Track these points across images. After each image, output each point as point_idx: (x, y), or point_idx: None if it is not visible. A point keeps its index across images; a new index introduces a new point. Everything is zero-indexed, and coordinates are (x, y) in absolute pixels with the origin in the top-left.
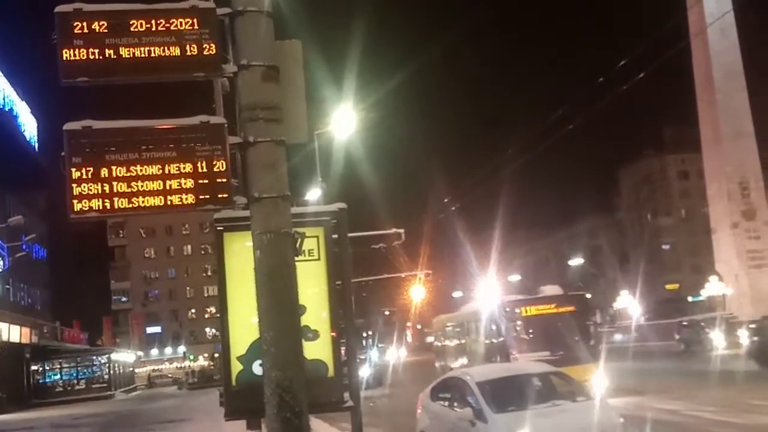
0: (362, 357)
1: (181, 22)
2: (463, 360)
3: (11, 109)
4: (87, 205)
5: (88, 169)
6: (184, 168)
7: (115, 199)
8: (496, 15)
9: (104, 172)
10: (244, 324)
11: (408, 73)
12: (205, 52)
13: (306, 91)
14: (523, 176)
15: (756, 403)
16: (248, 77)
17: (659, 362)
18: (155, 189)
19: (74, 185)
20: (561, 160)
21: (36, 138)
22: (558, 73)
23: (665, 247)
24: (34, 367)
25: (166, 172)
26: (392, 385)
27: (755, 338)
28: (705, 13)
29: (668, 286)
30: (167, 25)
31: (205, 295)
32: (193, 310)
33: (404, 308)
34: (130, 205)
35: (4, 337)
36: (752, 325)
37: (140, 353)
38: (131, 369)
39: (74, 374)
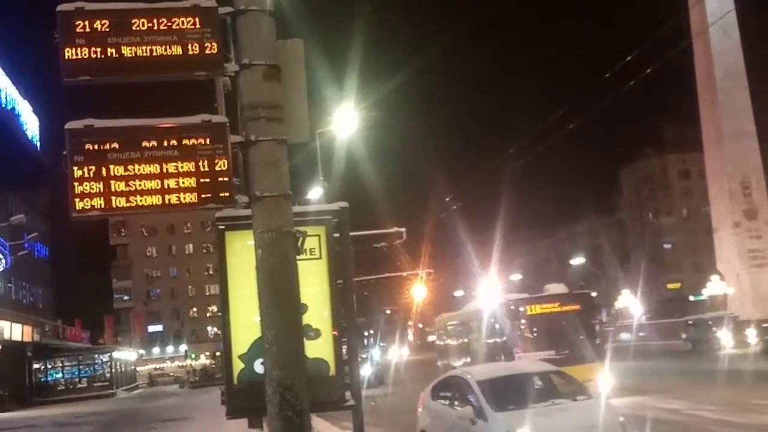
0: (364, 356)
1: (182, 21)
2: (466, 359)
3: (13, 108)
4: (89, 203)
5: (90, 167)
6: (185, 167)
7: (117, 197)
8: (496, 15)
9: (106, 170)
10: (246, 323)
11: (409, 73)
12: (206, 51)
13: (307, 90)
14: (524, 176)
15: (763, 403)
16: (250, 76)
17: (667, 361)
18: (157, 188)
19: (76, 184)
20: (562, 160)
21: (38, 137)
22: (558, 73)
23: (666, 246)
24: (36, 366)
25: (168, 171)
26: (394, 384)
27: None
28: (707, 12)
29: (670, 286)
30: (169, 24)
31: (207, 293)
32: (194, 309)
33: (406, 307)
34: (132, 204)
35: (6, 336)
36: (765, 324)
37: (142, 352)
38: (133, 367)
39: (76, 373)
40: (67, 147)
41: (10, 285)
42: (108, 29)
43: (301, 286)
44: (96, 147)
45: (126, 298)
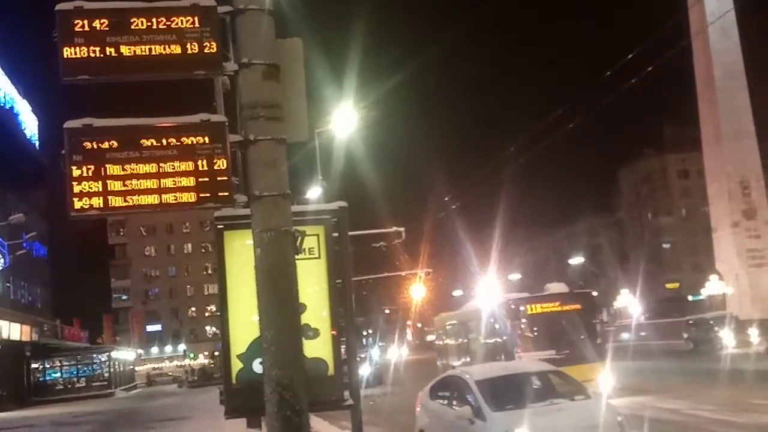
0: (362, 356)
1: (182, 20)
2: (466, 358)
3: (12, 107)
4: (87, 203)
5: (88, 167)
6: (184, 166)
7: (116, 197)
8: (496, 15)
9: (104, 170)
10: (245, 322)
11: (408, 72)
12: (205, 51)
13: (307, 89)
14: (523, 175)
15: (765, 402)
16: (249, 75)
17: (668, 361)
18: (155, 187)
19: (75, 183)
20: (561, 160)
21: (37, 136)
22: (558, 73)
23: (666, 246)
24: (34, 365)
25: (167, 170)
26: (393, 384)
27: None
28: (706, 12)
29: (668, 285)
30: (168, 23)
31: (206, 293)
32: (193, 309)
33: (405, 307)
34: (130, 203)
35: (5, 335)
36: None
37: (140, 351)
38: (131, 367)
39: (74, 372)
40: (66, 146)
41: (8, 284)
42: (107, 28)
43: (299, 285)
44: (95, 146)
45: (124, 297)
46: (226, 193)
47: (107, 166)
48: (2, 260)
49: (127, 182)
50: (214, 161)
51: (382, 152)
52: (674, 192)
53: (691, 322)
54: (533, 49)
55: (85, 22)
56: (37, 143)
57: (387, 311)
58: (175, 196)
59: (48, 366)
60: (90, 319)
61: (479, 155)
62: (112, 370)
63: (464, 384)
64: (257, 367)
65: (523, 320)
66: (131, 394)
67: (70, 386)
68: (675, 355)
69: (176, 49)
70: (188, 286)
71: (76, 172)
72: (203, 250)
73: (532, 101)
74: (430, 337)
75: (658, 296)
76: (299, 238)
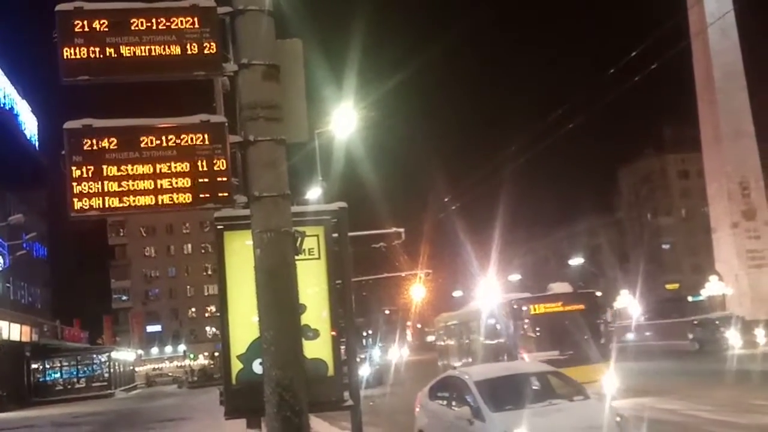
0: (362, 356)
1: (181, 21)
2: (468, 359)
3: (12, 108)
4: (87, 203)
5: (88, 167)
6: (184, 167)
7: (115, 197)
8: (496, 15)
9: (104, 170)
10: (245, 323)
11: (408, 73)
12: (205, 51)
13: (306, 90)
14: (523, 176)
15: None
16: (249, 76)
17: (674, 362)
18: (155, 188)
19: (74, 184)
20: (561, 160)
21: (36, 137)
22: (558, 73)
23: (665, 246)
24: (34, 366)
25: (167, 170)
26: (393, 384)
27: None
28: (705, 12)
29: (668, 286)
30: (168, 23)
31: (206, 293)
32: (193, 309)
33: (405, 307)
34: (130, 204)
35: (5, 336)
36: None
37: (140, 352)
38: (131, 368)
39: (74, 373)
40: (66, 147)
41: (8, 285)
42: (107, 29)
43: (299, 286)
44: (94, 147)
45: (124, 298)
46: (226, 194)
47: (107, 166)
48: (2, 261)
49: (127, 183)
50: (214, 162)
51: (382, 153)
52: (674, 192)
53: (696, 322)
54: (533, 49)
55: (85, 22)
56: (36, 144)
57: (387, 312)
58: (174, 196)
59: (48, 366)
60: (90, 319)
61: (479, 156)
62: (112, 370)
63: (463, 384)
64: (257, 367)
65: (527, 320)
66: (131, 395)
67: (70, 387)
68: (681, 355)
69: (176, 50)
70: (188, 287)
71: (75, 173)
72: (203, 251)
73: (532, 101)
74: (430, 338)
75: (658, 297)
76: (299, 239)
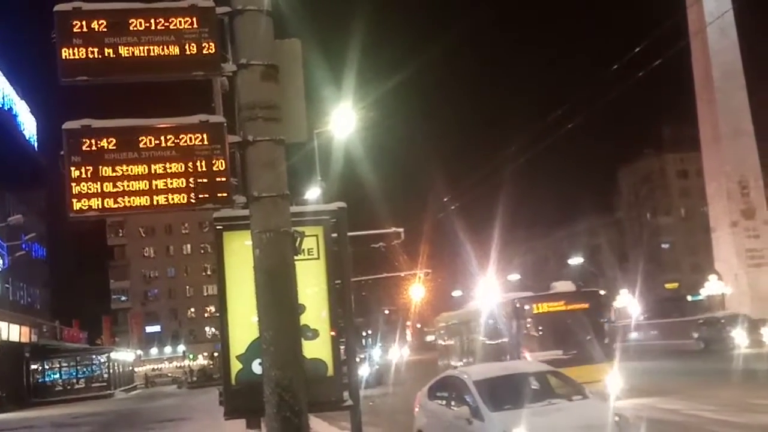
0: (362, 356)
1: (180, 21)
2: (469, 359)
3: (11, 108)
4: (86, 204)
5: (87, 168)
6: (183, 167)
7: (115, 198)
8: (496, 15)
9: (103, 171)
10: (244, 323)
11: (408, 73)
12: (204, 51)
13: (305, 90)
14: (522, 175)
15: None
16: (247, 76)
17: (679, 361)
18: (154, 188)
19: (73, 184)
20: (561, 160)
21: (35, 137)
22: (557, 73)
23: (665, 246)
24: (33, 366)
25: (165, 171)
26: (394, 384)
27: None
28: (704, 12)
29: (668, 285)
30: (166, 24)
31: (205, 294)
32: (192, 309)
33: (404, 307)
34: (129, 204)
35: (4, 337)
36: None
37: (140, 352)
38: (131, 368)
39: (74, 373)
40: (65, 147)
41: (7, 285)
42: (105, 29)
43: (298, 286)
44: (93, 147)
45: (123, 298)
46: (225, 194)
47: (106, 167)
48: (1, 261)
49: (126, 183)
50: (213, 162)
51: (381, 153)
52: (673, 192)
53: (701, 321)
54: (533, 49)
55: (84, 23)
56: (35, 144)
57: (386, 312)
58: (173, 197)
59: (47, 367)
60: (89, 320)
61: (479, 155)
62: (111, 371)
63: (462, 384)
64: (256, 368)
65: (529, 320)
66: (131, 395)
67: (69, 387)
68: (686, 354)
69: (175, 50)
70: (187, 287)
71: (74, 173)
72: (202, 251)
73: (532, 101)
74: (429, 338)
75: (657, 296)
76: (298, 239)
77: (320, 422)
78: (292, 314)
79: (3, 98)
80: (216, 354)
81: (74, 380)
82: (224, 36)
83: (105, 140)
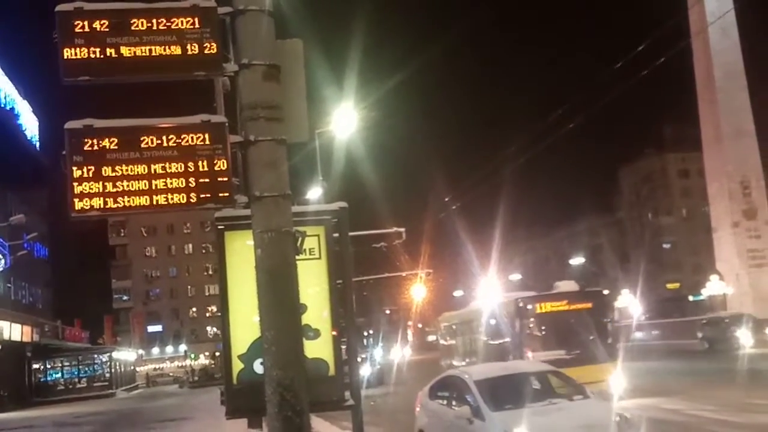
0: (363, 356)
1: (182, 21)
2: (472, 359)
3: (12, 108)
4: (88, 203)
5: (89, 167)
6: (185, 167)
7: (116, 197)
8: (496, 15)
9: (105, 170)
10: (245, 323)
11: (408, 73)
12: (206, 51)
13: (307, 90)
14: (523, 175)
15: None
16: (249, 76)
17: (685, 362)
18: (156, 188)
19: (75, 184)
20: (562, 160)
21: (37, 137)
22: (558, 73)
23: (666, 246)
24: (35, 366)
25: (167, 170)
26: (395, 384)
27: None
28: (706, 12)
29: (669, 285)
30: (168, 24)
31: (206, 293)
32: (194, 309)
33: (405, 307)
34: (131, 204)
35: (6, 336)
36: None
37: (141, 352)
38: (132, 368)
39: (75, 373)
40: (67, 147)
41: (9, 285)
42: (107, 29)
43: (300, 286)
44: (95, 147)
45: (125, 298)
46: (227, 194)
47: (108, 166)
48: (3, 261)
49: (128, 183)
50: (215, 162)
51: (383, 153)
52: (674, 192)
53: (705, 321)
54: (534, 48)
55: (86, 23)
56: (37, 144)
57: (388, 312)
58: (175, 196)
59: (49, 366)
60: (91, 319)
61: (479, 155)
62: (113, 370)
63: (463, 384)
64: (258, 367)
65: (532, 319)
66: (132, 395)
67: (71, 387)
68: (690, 355)
69: (176, 50)
70: (189, 287)
71: (76, 173)
72: (204, 251)
73: (532, 101)
74: (430, 338)
75: (659, 296)
76: (300, 239)
77: (322, 422)
78: (293, 314)
79: (5, 98)
80: (217, 354)
81: (76, 380)
82: (226, 36)
83: (107, 140)
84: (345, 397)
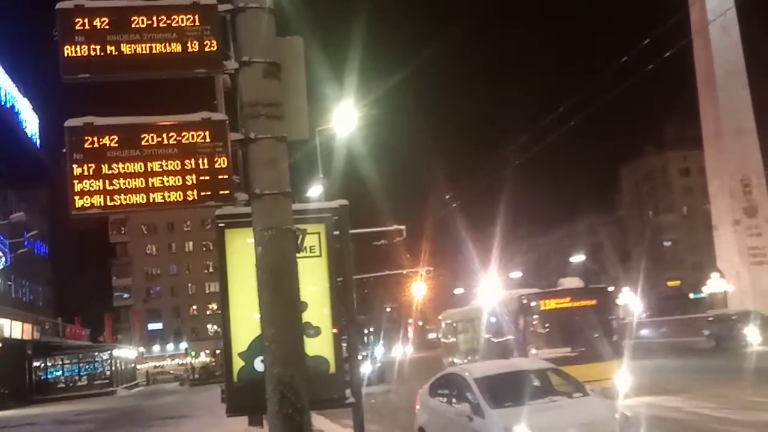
0: (364, 354)
1: (182, 19)
2: (474, 356)
3: (13, 106)
4: (88, 201)
5: (89, 165)
6: (185, 164)
7: (116, 195)
8: (498, 12)
9: (105, 168)
10: (246, 320)
11: (409, 70)
12: (206, 49)
13: (307, 87)
14: (524, 173)
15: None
16: (249, 74)
17: (692, 359)
18: (156, 185)
19: (75, 182)
20: (562, 158)
21: (38, 134)
22: (560, 71)
23: (667, 244)
24: (36, 364)
25: (168, 168)
26: (397, 382)
27: None
28: (707, 10)
29: (670, 283)
30: (168, 21)
31: (207, 291)
32: (194, 307)
33: (406, 305)
34: (131, 202)
35: (6, 334)
36: None
37: (142, 349)
38: (133, 365)
39: (76, 370)
40: (67, 145)
41: (9, 283)
42: (107, 27)
43: (300, 283)
44: (95, 144)
45: (126, 295)
46: (227, 192)
47: (108, 164)
48: (3, 259)
49: (128, 180)
50: (215, 159)
51: (383, 150)
52: (675, 190)
53: (711, 318)
54: (535, 47)
55: (86, 20)
56: (38, 141)
57: (388, 309)
58: (175, 194)
59: (50, 364)
60: (91, 317)
61: (480, 153)
62: (113, 368)
63: (463, 381)
64: (258, 365)
65: (536, 316)
66: (133, 393)
67: (71, 384)
68: (697, 352)
69: (177, 48)
70: (189, 285)
71: (76, 171)
72: (204, 249)
73: (534, 99)
74: (431, 335)
75: (659, 294)
76: (300, 237)
77: (322, 420)
78: (294, 312)
79: (5, 95)
80: (218, 351)
81: (76, 377)
82: (226, 33)
83: (107, 138)
84: (346, 395)
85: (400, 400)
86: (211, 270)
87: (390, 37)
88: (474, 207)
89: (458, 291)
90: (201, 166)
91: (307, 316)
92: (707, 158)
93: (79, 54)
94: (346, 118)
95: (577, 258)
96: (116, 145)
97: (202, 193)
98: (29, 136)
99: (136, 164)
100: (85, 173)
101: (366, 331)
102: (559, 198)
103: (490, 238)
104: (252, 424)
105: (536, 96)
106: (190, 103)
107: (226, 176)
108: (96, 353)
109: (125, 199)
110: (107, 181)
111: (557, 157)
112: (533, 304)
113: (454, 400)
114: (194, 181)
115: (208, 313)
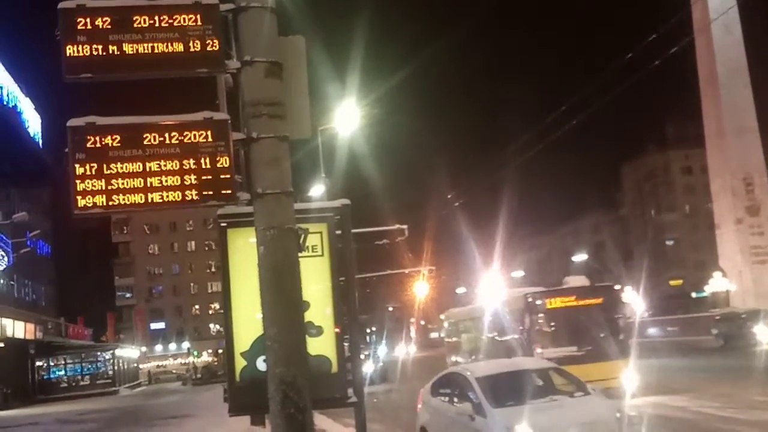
0: (366, 353)
1: (184, 18)
2: (478, 356)
3: (15, 106)
4: (91, 201)
5: (91, 165)
6: (187, 164)
7: (119, 195)
8: (500, 10)
9: (108, 168)
10: (248, 320)
11: (411, 69)
12: (208, 48)
13: (309, 87)
14: (526, 172)
15: None
16: (251, 73)
17: (700, 359)
18: (158, 185)
19: (78, 181)
20: (565, 156)
21: (40, 134)
22: (562, 69)
23: (669, 243)
24: (38, 363)
25: (169, 168)
26: (399, 381)
27: None
28: (709, 8)
29: (672, 282)
30: (170, 21)
31: (209, 291)
32: (197, 306)
33: (408, 304)
34: (133, 201)
35: (9, 333)
36: None
37: (144, 349)
38: (135, 365)
39: (79, 370)
40: (69, 144)
41: (12, 283)
42: (109, 26)
43: (303, 283)
44: (98, 144)
45: (128, 295)
46: (229, 191)
47: (110, 164)
48: (6, 259)
49: (130, 180)
50: (217, 159)
51: (385, 150)
52: (677, 189)
53: (719, 317)
54: (537, 45)
55: (88, 20)
56: (40, 141)
57: (390, 309)
58: (178, 193)
59: (52, 364)
60: (94, 317)
61: (482, 152)
62: (116, 368)
63: (465, 381)
64: (261, 364)
65: (542, 315)
66: (135, 392)
67: (74, 384)
68: (705, 351)
69: (179, 47)
70: (192, 284)
71: (79, 170)
72: (206, 248)
73: (536, 98)
74: (433, 334)
75: (662, 293)
76: (302, 236)
77: (324, 419)
78: (296, 311)
79: (7, 95)
80: (220, 351)
81: (79, 377)
82: (228, 33)
83: (109, 137)
84: (348, 395)
85: (402, 399)
86: (213, 269)
87: (391, 36)
88: (476, 206)
89: (460, 290)
90: (203, 166)
91: (309, 316)
92: (709, 157)
93: (81, 54)
94: (347, 117)
95: (580, 257)
96: (118, 144)
97: (205, 193)
98: (31, 135)
99: (138, 164)
100: (88, 173)
101: (368, 331)
102: (561, 197)
103: (492, 237)
104: (254, 423)
105: (537, 96)
106: (192, 103)
107: (228, 176)
108: (98, 353)
109: (127, 199)
110: (109, 181)
111: (559, 156)
112: (539, 302)
113: (455, 400)
114: (196, 181)
115: (210, 312)
